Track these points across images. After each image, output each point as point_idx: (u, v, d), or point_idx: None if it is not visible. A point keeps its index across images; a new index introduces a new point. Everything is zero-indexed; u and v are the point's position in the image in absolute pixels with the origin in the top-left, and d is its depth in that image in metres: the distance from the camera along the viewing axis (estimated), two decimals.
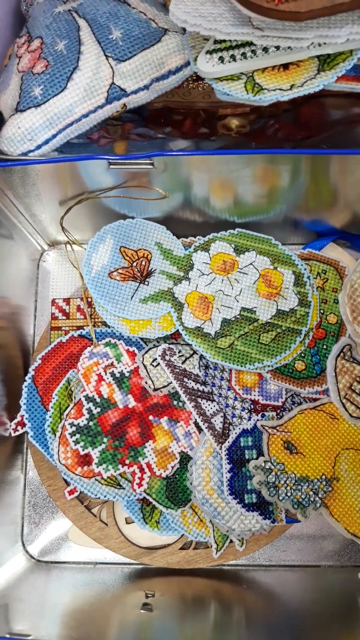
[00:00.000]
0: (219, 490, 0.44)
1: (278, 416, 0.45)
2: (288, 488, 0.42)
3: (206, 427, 0.45)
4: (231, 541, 0.46)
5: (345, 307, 0.46)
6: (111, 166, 0.40)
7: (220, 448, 0.44)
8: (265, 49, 0.38)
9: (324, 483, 0.43)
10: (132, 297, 0.46)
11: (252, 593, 0.46)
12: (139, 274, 0.47)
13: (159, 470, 0.44)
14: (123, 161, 0.40)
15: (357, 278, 0.46)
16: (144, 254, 0.47)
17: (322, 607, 0.44)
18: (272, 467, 0.43)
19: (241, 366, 0.44)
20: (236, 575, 0.48)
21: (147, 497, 0.45)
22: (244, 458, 0.44)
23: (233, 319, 0.45)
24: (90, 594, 0.45)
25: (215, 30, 0.37)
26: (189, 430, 0.45)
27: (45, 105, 0.41)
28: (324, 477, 0.43)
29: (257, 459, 0.44)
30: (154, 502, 0.45)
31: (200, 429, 0.45)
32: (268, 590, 0.47)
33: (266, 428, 0.43)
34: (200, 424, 0.45)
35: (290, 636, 0.41)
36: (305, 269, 0.46)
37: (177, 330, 0.46)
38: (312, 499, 0.42)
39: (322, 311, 0.47)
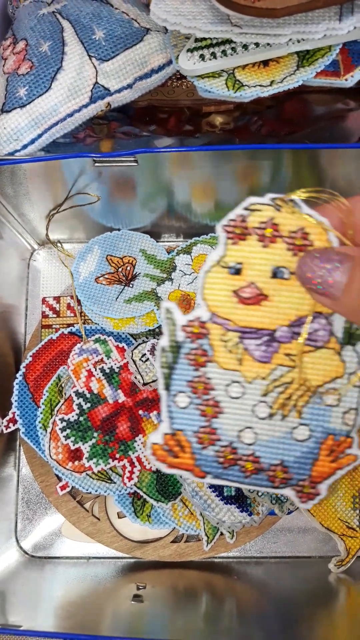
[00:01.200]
0: None
1: None
2: None
3: None
4: (222, 534, 0.47)
5: None
6: (96, 164, 0.41)
7: None
8: (245, 46, 0.38)
9: None
10: (117, 298, 0.48)
11: (243, 584, 0.47)
12: (124, 278, 0.49)
13: (149, 463, 0.45)
14: (107, 159, 0.40)
15: None
16: (129, 260, 0.49)
17: (312, 597, 0.45)
18: None
19: None
20: (227, 567, 0.48)
21: (138, 490, 0.45)
22: None
23: None
24: (83, 587, 0.46)
25: (195, 29, 0.37)
26: None
27: (30, 106, 0.41)
28: None
29: None
30: (145, 496, 0.45)
31: None
32: (259, 581, 0.48)
33: None
34: None
35: (281, 625, 0.41)
36: None
37: (160, 325, 0.47)
38: None
39: None
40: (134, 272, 0.49)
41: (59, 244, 0.53)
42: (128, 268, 0.49)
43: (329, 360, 0.28)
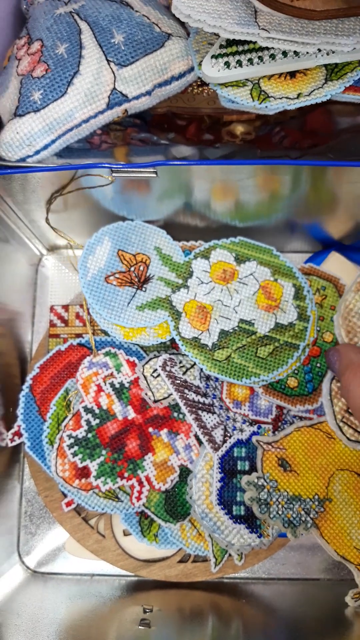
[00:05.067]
0: None
1: (274, 432, 0.45)
2: (280, 506, 0.42)
3: (206, 440, 0.44)
4: (230, 555, 0.45)
5: (340, 328, 0.45)
6: (113, 174, 0.39)
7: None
8: (273, 56, 0.37)
9: (317, 503, 0.42)
10: (129, 303, 0.45)
11: (250, 606, 0.46)
12: (136, 280, 0.45)
13: (158, 483, 0.43)
14: (126, 169, 0.39)
15: (352, 298, 0.45)
16: (142, 259, 0.46)
17: (321, 622, 0.44)
18: (265, 484, 0.42)
19: (238, 380, 0.43)
20: (235, 588, 0.47)
21: (146, 510, 0.44)
22: (236, 469, 0.43)
23: (231, 330, 0.44)
24: (86, 607, 0.45)
25: (220, 28, 0.35)
26: (189, 443, 0.44)
27: (44, 110, 0.40)
28: (316, 497, 0.42)
29: (248, 470, 0.43)
30: (153, 516, 0.44)
31: (200, 442, 0.45)
32: (267, 603, 0.47)
33: (261, 443, 0.43)
34: (201, 436, 0.44)
35: None
36: (305, 283, 0.45)
37: (173, 338, 0.45)
38: (303, 518, 0.42)
39: (318, 328, 0.46)
40: (148, 274, 0.46)
41: (68, 251, 0.51)
42: (141, 268, 0.46)
43: None
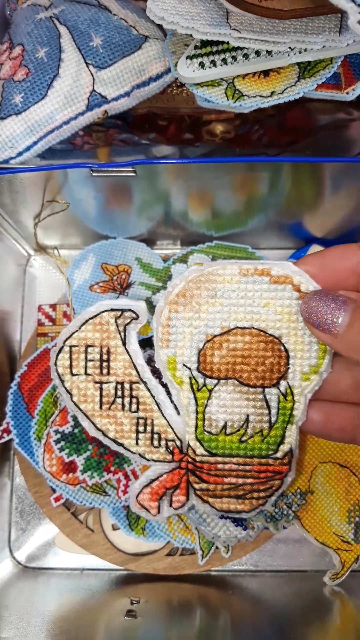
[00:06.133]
0: None
1: None
2: None
3: None
4: (217, 548, 0.46)
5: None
6: (93, 174, 0.40)
7: None
8: (246, 55, 0.38)
9: (298, 497, 0.43)
10: None
11: (238, 598, 0.47)
12: (119, 287, 0.48)
13: None
14: (105, 169, 0.40)
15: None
16: (124, 269, 0.49)
17: (306, 612, 0.44)
18: None
19: None
20: (222, 580, 0.48)
21: None
22: None
23: None
24: (76, 600, 0.45)
25: (193, 29, 0.36)
26: None
27: (26, 113, 0.40)
28: (298, 490, 0.43)
29: None
30: None
31: None
32: (254, 595, 0.47)
33: None
34: None
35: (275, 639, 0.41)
36: None
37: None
38: (285, 512, 0.42)
39: None
40: (129, 281, 0.49)
41: (55, 251, 0.52)
42: (123, 276, 0.49)
43: None
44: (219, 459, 0.32)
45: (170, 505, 0.34)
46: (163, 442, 0.33)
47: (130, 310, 0.33)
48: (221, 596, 0.47)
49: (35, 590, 0.47)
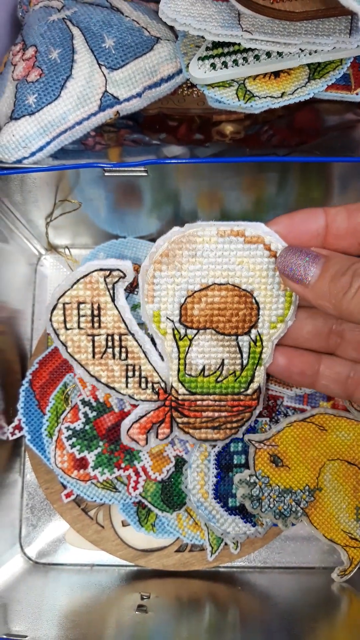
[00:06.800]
0: None
1: (271, 421, 0.46)
2: (271, 500, 0.43)
3: None
4: (226, 544, 0.47)
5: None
6: (106, 174, 0.41)
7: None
8: (257, 57, 0.38)
9: (307, 493, 0.43)
10: None
11: (247, 595, 0.47)
12: (128, 285, 0.48)
13: (154, 473, 0.44)
14: (117, 169, 0.40)
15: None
16: (134, 267, 0.48)
17: (315, 608, 0.45)
18: (257, 480, 0.43)
19: None
20: (231, 577, 0.48)
21: (143, 500, 0.45)
22: (233, 463, 0.44)
23: None
24: (86, 595, 0.46)
25: (205, 31, 0.37)
26: None
27: (39, 113, 0.41)
28: (307, 487, 0.43)
29: (245, 464, 0.44)
30: (150, 506, 0.45)
31: None
32: (263, 591, 0.48)
33: (253, 442, 0.44)
34: None
35: (284, 636, 0.41)
36: None
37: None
38: (293, 509, 0.43)
39: None
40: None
41: (65, 250, 0.53)
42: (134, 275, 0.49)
43: None
44: (198, 397, 0.37)
45: (157, 437, 0.39)
46: (150, 385, 0.38)
47: (117, 269, 0.36)
48: (230, 592, 0.47)
49: (46, 586, 0.47)
